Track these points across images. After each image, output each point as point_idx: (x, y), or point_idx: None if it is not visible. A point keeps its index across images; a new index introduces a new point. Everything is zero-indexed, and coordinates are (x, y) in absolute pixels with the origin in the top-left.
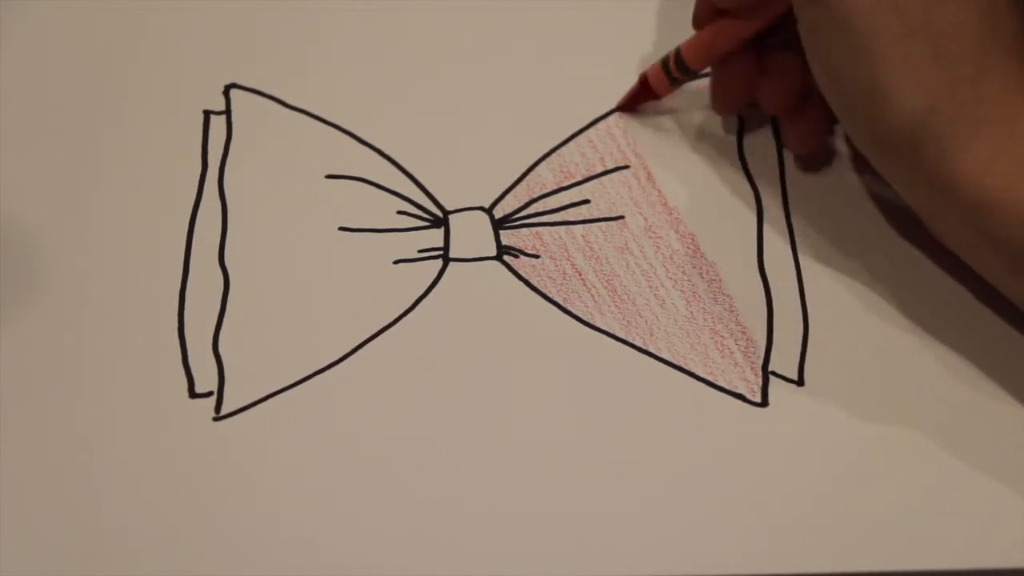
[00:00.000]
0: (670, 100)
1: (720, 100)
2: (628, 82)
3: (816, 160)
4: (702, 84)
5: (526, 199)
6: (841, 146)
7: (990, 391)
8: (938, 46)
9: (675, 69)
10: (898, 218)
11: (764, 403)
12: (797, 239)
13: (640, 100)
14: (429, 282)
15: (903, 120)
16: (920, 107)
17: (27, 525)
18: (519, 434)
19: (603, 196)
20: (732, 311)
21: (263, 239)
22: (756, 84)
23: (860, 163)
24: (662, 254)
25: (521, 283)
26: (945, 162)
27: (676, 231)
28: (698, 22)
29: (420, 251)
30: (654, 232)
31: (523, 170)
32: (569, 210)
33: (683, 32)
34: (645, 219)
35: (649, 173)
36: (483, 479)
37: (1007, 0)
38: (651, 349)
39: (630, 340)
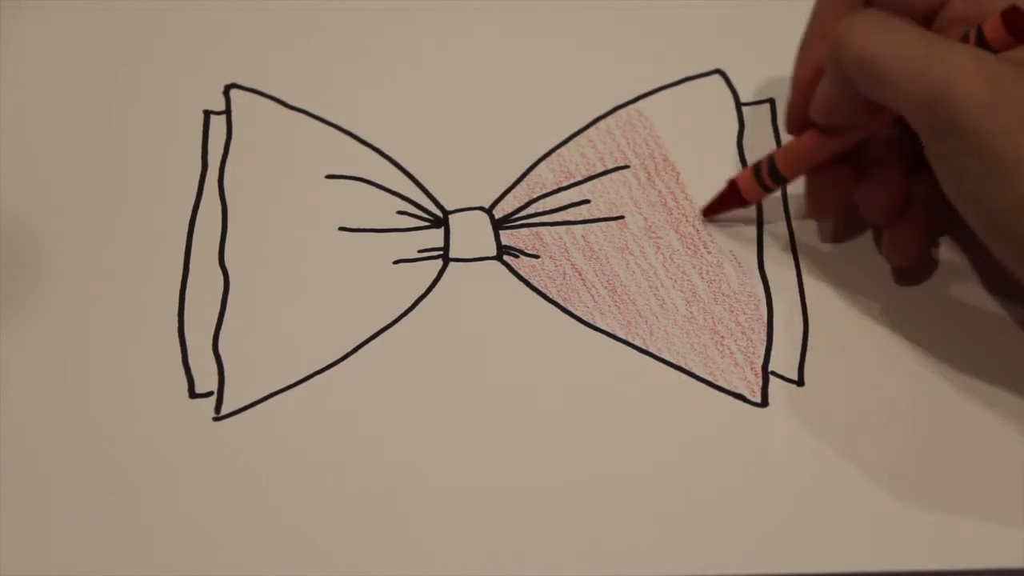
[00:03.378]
0: (672, 100)
1: (815, 207)
2: (628, 82)
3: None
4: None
5: (526, 199)
6: None
7: (990, 391)
8: None
9: (767, 178)
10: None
11: (764, 403)
12: (797, 239)
13: (727, 206)
14: (429, 282)
15: None
16: None
17: (27, 525)
18: (519, 434)
19: (603, 196)
20: (732, 311)
21: (263, 239)
22: (853, 190)
23: None
24: (662, 254)
25: (521, 283)
26: None
27: (676, 231)
28: (793, 126)
29: (420, 251)
30: (654, 232)
31: (523, 170)
32: (569, 210)
33: (683, 31)
34: (645, 219)
35: (649, 173)
36: (483, 479)
37: None
38: (651, 349)
39: (630, 340)
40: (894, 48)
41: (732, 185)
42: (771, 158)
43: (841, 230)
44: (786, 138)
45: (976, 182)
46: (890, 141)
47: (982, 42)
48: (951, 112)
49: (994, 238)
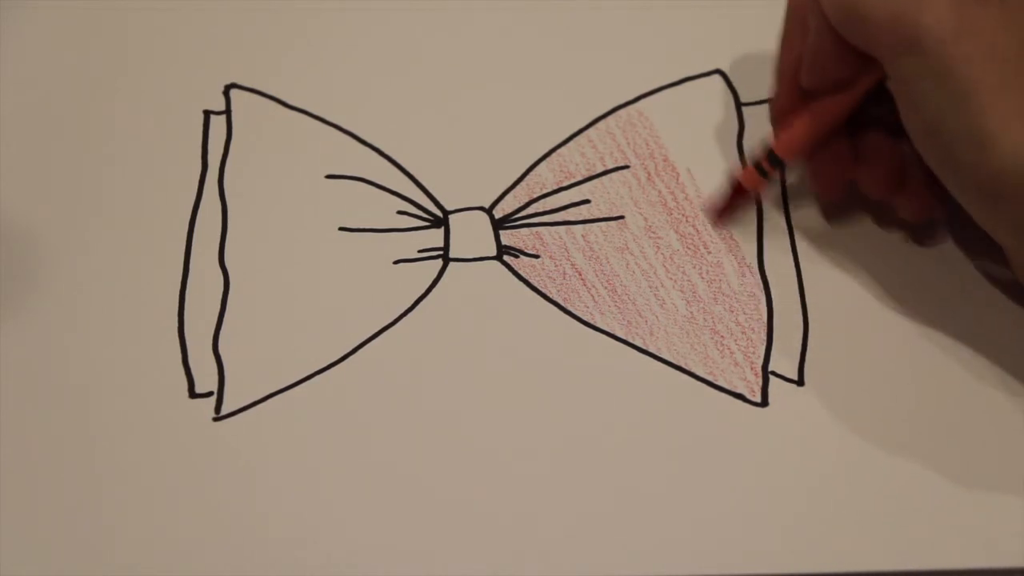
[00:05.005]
0: (672, 100)
1: (821, 187)
2: (628, 82)
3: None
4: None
5: (526, 199)
6: None
7: (990, 391)
8: None
9: (768, 167)
10: (898, 219)
11: (764, 403)
12: (797, 239)
13: (736, 205)
14: (429, 282)
15: (1010, 164)
16: None
17: (27, 525)
18: (519, 434)
19: (603, 196)
20: (732, 311)
21: (263, 239)
22: (853, 167)
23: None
24: (662, 254)
25: (521, 283)
26: None
27: (676, 231)
28: (781, 112)
29: (420, 251)
30: (654, 232)
31: (523, 170)
32: (569, 210)
33: (683, 31)
34: (645, 219)
35: (649, 173)
36: (483, 479)
37: None
38: (651, 349)
39: (630, 340)
40: None
41: (736, 185)
42: (769, 149)
43: (842, 230)
44: None
45: (932, 105)
46: (881, 118)
47: None
48: (916, 32)
49: (947, 167)
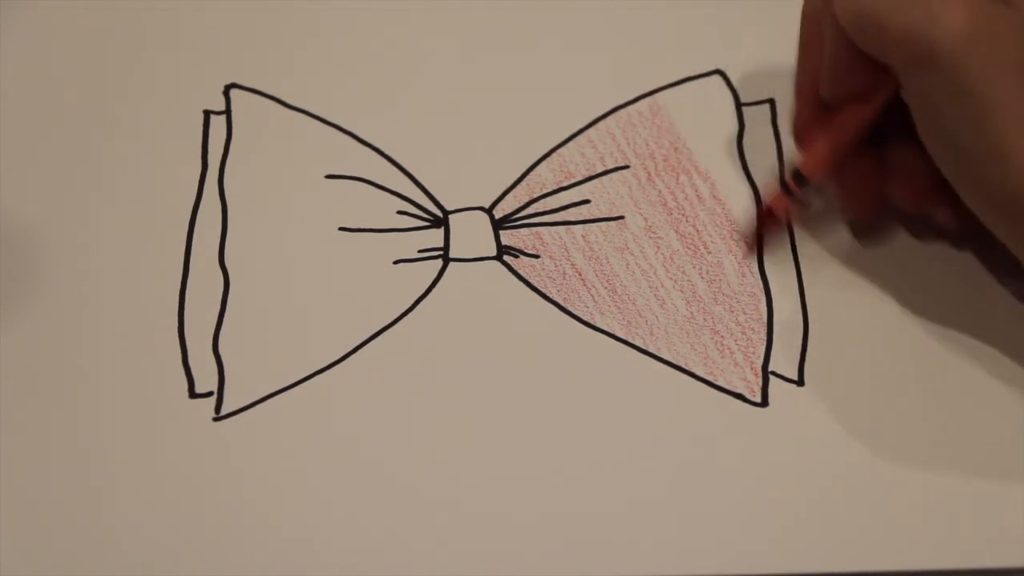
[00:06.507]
0: (672, 100)
1: (851, 207)
2: (628, 82)
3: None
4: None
5: (526, 199)
6: None
7: (990, 390)
8: None
9: (797, 189)
10: (898, 218)
11: (764, 403)
12: (797, 239)
13: (767, 231)
14: (429, 282)
15: None
16: None
17: (27, 525)
18: (519, 434)
19: (603, 196)
20: (732, 311)
21: (263, 239)
22: (883, 182)
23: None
24: (662, 254)
25: (521, 283)
26: None
27: (676, 231)
28: (804, 129)
29: (420, 251)
30: (654, 232)
31: (523, 170)
32: (569, 210)
33: (683, 31)
34: (645, 219)
35: (649, 173)
36: (483, 479)
37: None
38: (651, 349)
39: (630, 340)
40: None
41: (768, 211)
42: (796, 170)
43: (842, 230)
44: (787, 140)
45: (949, 121)
46: (907, 128)
47: None
48: (931, 45)
49: (964, 182)
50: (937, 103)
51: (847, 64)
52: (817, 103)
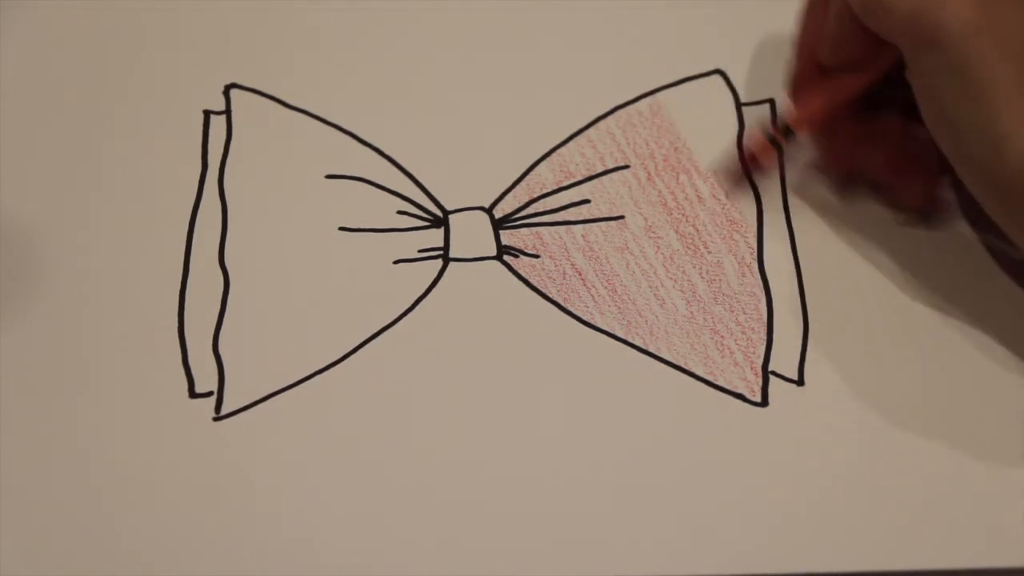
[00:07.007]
0: (672, 100)
1: (826, 161)
2: (628, 82)
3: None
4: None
5: (526, 199)
6: None
7: (990, 391)
8: None
9: (782, 139)
10: (898, 218)
11: (764, 403)
12: (797, 239)
13: (748, 175)
14: (429, 282)
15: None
16: None
17: (27, 525)
18: (519, 434)
19: (603, 196)
20: (732, 311)
21: (263, 239)
22: (863, 145)
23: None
24: (662, 254)
25: (521, 283)
26: None
27: (676, 231)
28: (798, 84)
29: (420, 251)
30: (654, 232)
31: (523, 170)
32: (569, 210)
33: (683, 31)
34: (645, 219)
35: (649, 173)
36: (483, 479)
37: None
38: (651, 349)
39: (630, 340)
40: None
41: (751, 156)
42: (785, 123)
43: (842, 230)
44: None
45: (951, 103)
46: (897, 101)
47: None
48: (936, 28)
49: (962, 162)
50: (940, 85)
51: (849, 36)
52: (815, 61)
